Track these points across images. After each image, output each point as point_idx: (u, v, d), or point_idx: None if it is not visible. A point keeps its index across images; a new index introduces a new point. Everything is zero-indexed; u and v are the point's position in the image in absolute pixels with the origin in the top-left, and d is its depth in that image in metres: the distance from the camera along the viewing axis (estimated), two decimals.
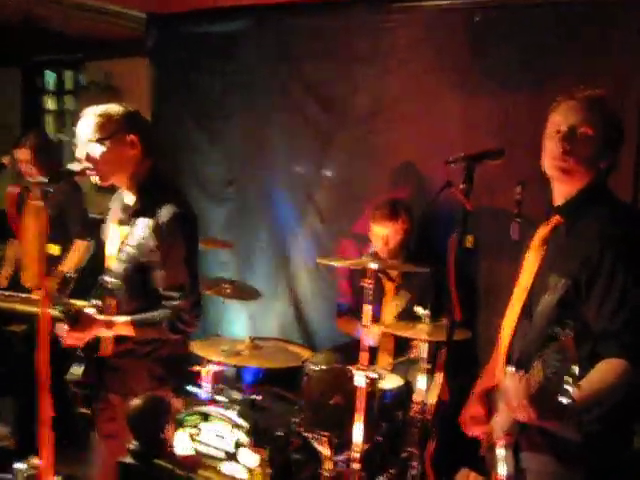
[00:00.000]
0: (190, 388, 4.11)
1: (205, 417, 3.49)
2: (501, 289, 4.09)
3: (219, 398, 3.87)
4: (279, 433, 3.43)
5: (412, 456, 3.55)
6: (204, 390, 4.01)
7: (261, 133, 5.07)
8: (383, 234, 4.09)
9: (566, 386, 1.62)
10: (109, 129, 2.69)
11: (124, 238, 2.78)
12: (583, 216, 2.11)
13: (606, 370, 1.91)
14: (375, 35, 4.47)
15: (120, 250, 2.78)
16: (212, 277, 4.79)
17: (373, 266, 3.20)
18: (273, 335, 4.93)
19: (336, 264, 3.52)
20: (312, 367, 3.42)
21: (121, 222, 2.85)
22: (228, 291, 4.36)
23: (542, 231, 2.25)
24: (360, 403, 3.19)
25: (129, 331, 2.69)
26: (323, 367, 3.40)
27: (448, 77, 4.21)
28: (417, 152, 4.37)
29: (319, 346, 4.85)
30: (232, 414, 3.40)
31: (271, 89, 4.99)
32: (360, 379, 3.18)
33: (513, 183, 3.84)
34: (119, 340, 2.74)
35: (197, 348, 3.76)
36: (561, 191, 2.21)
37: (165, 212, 2.68)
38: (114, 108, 2.75)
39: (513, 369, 2.09)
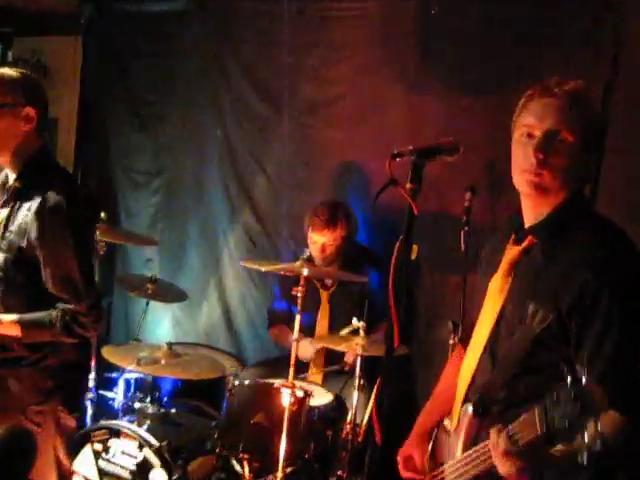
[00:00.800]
0: (105, 394, 3.80)
1: (113, 432, 3.14)
2: (444, 303, 3.88)
3: (136, 407, 3.53)
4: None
5: None
6: (118, 399, 3.69)
7: (196, 121, 4.72)
8: (320, 242, 3.79)
9: (589, 442, 1.31)
10: (2, 96, 2.32)
11: (3, 222, 2.40)
12: (563, 238, 1.78)
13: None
14: (322, 24, 4.18)
15: (0, 237, 2.39)
16: (135, 275, 4.43)
17: (305, 272, 2.89)
18: (200, 341, 4.59)
19: (263, 268, 3.19)
20: (235, 382, 3.08)
21: (1, 204, 2.46)
22: (150, 292, 3.98)
23: (511, 253, 1.87)
24: (285, 423, 2.87)
25: (16, 331, 2.30)
26: (246, 382, 3.07)
27: (396, 73, 3.95)
28: (360, 151, 4.08)
29: (247, 355, 4.54)
30: (141, 430, 3.04)
31: (209, 75, 4.64)
32: (285, 397, 2.87)
33: (461, 188, 3.65)
34: (1, 347, 2.35)
35: (111, 354, 3.40)
36: (532, 208, 1.83)
37: (51, 196, 2.30)
38: (12, 73, 2.37)
39: (470, 409, 1.79)
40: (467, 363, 1.92)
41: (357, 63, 4.09)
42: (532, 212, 1.84)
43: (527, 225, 1.85)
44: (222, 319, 4.68)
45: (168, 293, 4.13)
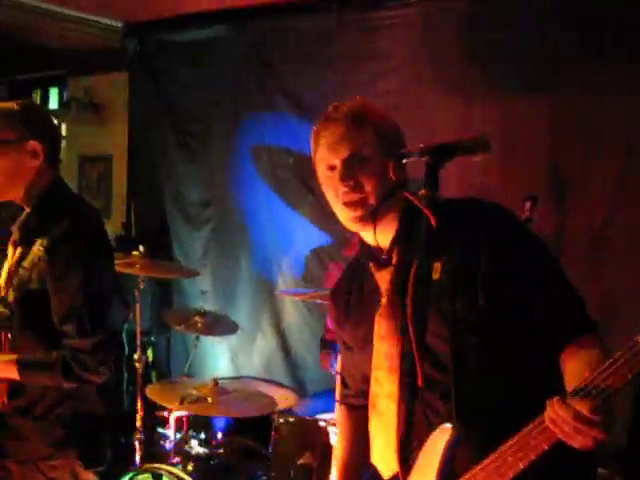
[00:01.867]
0: (160, 431, 3.66)
1: (156, 476, 2.97)
2: None
3: (186, 447, 3.37)
4: None
5: None
6: (170, 438, 3.54)
7: (243, 148, 4.59)
8: None
9: None
10: (3, 132, 2.20)
11: (16, 260, 2.27)
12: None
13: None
14: (363, 35, 3.98)
15: (12, 274, 2.26)
16: (184, 308, 4.31)
17: None
18: (257, 374, 4.40)
19: (297, 298, 2.97)
20: (280, 420, 2.86)
21: (15, 242, 2.34)
22: (200, 325, 3.82)
23: (385, 277, 1.68)
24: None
25: (12, 373, 2.14)
26: (291, 420, 2.85)
27: (446, 81, 3.70)
28: (412, 167, 3.81)
29: (307, 387, 4.34)
30: (184, 474, 2.86)
31: (252, 100, 4.51)
32: (332, 435, 2.63)
33: (515, 197, 3.35)
34: (13, 394, 2.20)
35: (155, 392, 3.25)
36: (381, 233, 1.68)
37: (60, 229, 2.16)
38: (12, 107, 2.25)
39: (448, 426, 1.48)
40: (386, 408, 1.66)
41: (403, 73, 3.88)
42: (383, 235, 1.68)
43: (386, 245, 1.69)
44: (279, 349, 4.50)
45: (218, 326, 3.94)
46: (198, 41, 4.72)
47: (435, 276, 1.36)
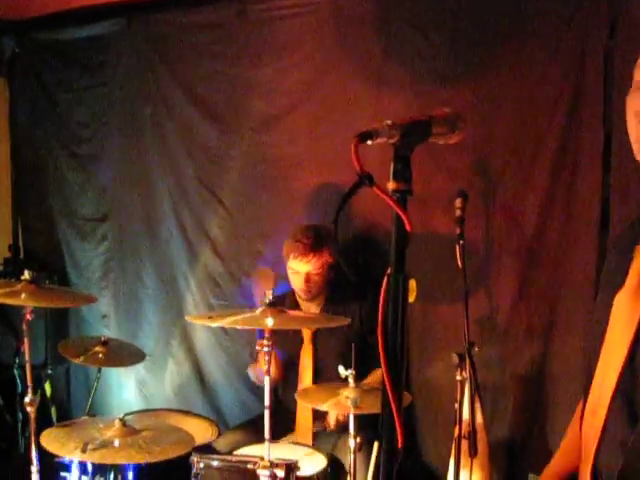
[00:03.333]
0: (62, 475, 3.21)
1: None
2: (438, 338, 3.32)
3: None
4: None
5: None
6: None
7: (140, 156, 4.16)
8: (304, 271, 3.22)
9: None
10: None
11: None
12: None
13: None
14: (266, 26, 3.64)
15: None
16: (81, 338, 3.85)
17: (270, 323, 2.29)
18: (169, 404, 3.97)
19: (213, 324, 2.59)
20: (199, 464, 2.48)
21: None
22: (101, 356, 3.37)
23: None
24: None
25: None
26: (214, 464, 2.47)
27: (358, 69, 3.40)
28: (330, 165, 3.49)
29: (226, 415, 3.95)
30: None
31: (146, 103, 4.09)
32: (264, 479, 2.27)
33: (440, 196, 3.10)
34: None
35: (51, 440, 2.79)
36: None
37: None
38: None
39: None
40: (592, 411, 1.36)
41: (313, 64, 3.56)
42: None
43: None
44: (192, 375, 4.08)
45: (122, 355, 3.49)
46: (87, 38, 4.24)
47: (411, 298, 1.02)
